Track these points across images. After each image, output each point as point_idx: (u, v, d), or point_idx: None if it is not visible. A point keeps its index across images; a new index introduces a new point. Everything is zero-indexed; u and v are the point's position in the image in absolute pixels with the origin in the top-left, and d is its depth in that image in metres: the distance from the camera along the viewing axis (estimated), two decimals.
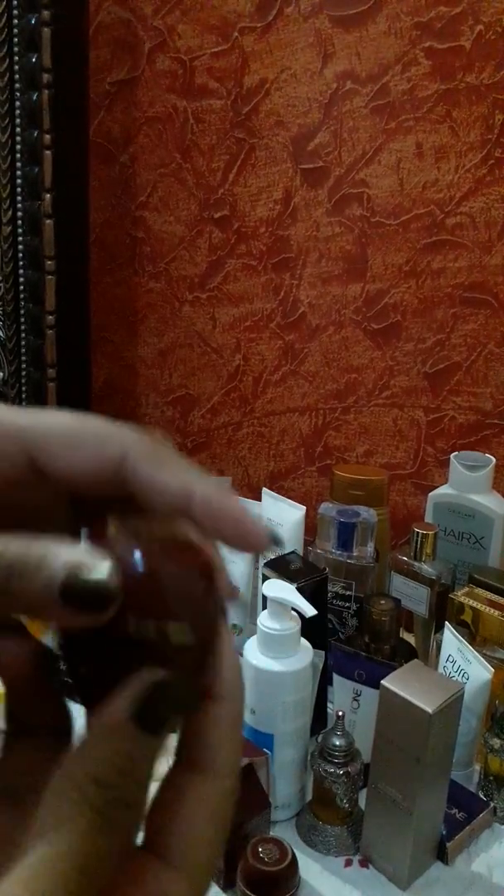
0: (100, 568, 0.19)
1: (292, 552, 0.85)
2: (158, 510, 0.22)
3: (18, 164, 0.98)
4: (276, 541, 0.23)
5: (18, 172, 0.98)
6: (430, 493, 0.93)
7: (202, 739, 0.22)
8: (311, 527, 0.91)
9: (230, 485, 1.10)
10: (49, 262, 0.99)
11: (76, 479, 0.22)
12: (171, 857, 0.21)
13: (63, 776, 0.20)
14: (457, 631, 0.76)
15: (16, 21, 0.94)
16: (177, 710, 0.21)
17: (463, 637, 0.75)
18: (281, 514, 0.93)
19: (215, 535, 0.23)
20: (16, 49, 0.95)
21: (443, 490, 0.92)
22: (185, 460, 0.23)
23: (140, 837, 0.21)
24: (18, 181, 0.99)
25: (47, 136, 0.95)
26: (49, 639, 0.23)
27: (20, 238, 1.00)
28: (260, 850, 0.61)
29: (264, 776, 0.67)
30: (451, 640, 0.76)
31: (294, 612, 0.69)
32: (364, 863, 0.67)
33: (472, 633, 0.80)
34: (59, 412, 0.23)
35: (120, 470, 0.22)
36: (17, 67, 0.95)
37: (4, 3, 0.93)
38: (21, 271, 1.02)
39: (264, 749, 0.68)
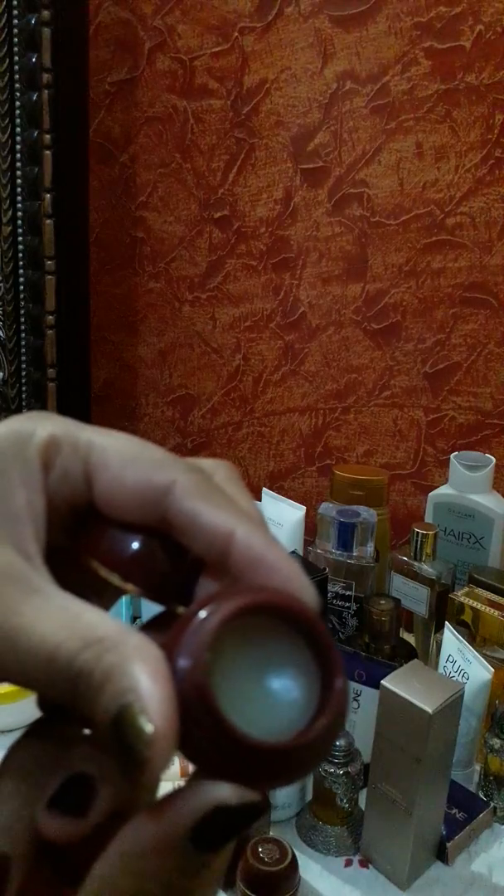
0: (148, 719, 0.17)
1: (292, 552, 0.85)
2: (200, 547, 0.21)
3: (18, 164, 0.98)
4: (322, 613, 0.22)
5: (18, 172, 0.98)
6: (430, 493, 0.93)
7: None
8: (311, 527, 0.91)
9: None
10: (49, 262, 0.99)
11: (119, 497, 0.21)
12: None
13: (108, 880, 0.18)
14: (457, 631, 0.76)
15: (16, 21, 0.94)
16: (238, 831, 0.19)
17: (463, 637, 0.75)
18: (281, 515, 0.93)
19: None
20: (16, 49, 0.95)
21: (443, 490, 0.92)
22: (240, 498, 0.22)
23: None
24: (18, 181, 0.99)
25: (47, 136, 0.95)
26: None
27: (20, 238, 1.00)
28: (260, 850, 0.61)
29: None
30: (451, 640, 0.76)
31: None
32: (364, 863, 0.67)
33: (472, 633, 0.80)
34: (119, 433, 0.22)
35: (164, 499, 0.21)
36: (17, 67, 0.95)
37: (4, 2, 0.93)
38: (21, 271, 1.02)
39: None
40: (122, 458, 0.21)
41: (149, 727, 0.17)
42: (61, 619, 0.19)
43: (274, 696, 0.20)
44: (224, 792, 0.18)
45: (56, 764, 0.20)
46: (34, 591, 0.19)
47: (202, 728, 0.18)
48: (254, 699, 0.19)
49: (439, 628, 0.83)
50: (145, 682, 0.18)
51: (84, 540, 0.22)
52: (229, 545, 0.20)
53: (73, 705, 0.18)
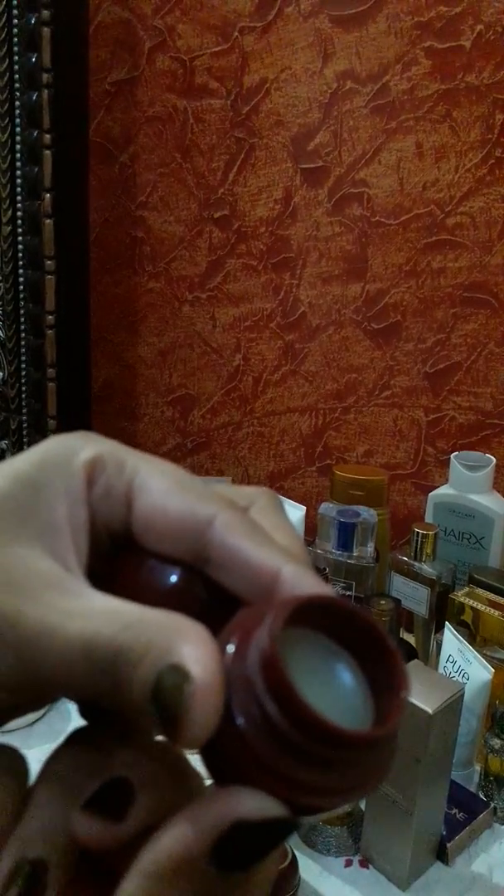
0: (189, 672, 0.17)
1: None
2: (239, 585, 0.20)
3: (18, 164, 0.98)
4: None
5: (18, 172, 0.98)
6: (431, 494, 0.93)
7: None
8: (311, 527, 0.91)
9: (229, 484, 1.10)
10: (49, 262, 0.99)
11: (159, 525, 0.21)
12: None
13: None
14: (457, 631, 0.76)
15: (15, 21, 0.94)
16: (266, 851, 0.17)
17: (463, 637, 0.75)
18: None
19: None
20: (15, 48, 0.94)
21: (443, 490, 0.92)
22: (283, 531, 0.21)
23: None
24: (18, 181, 0.99)
25: (47, 136, 0.95)
26: None
27: (20, 238, 1.00)
28: None
29: None
30: (452, 641, 0.76)
31: None
32: (364, 863, 0.67)
33: (473, 633, 0.80)
34: (165, 461, 0.22)
35: (205, 532, 0.20)
36: (16, 67, 0.95)
37: (4, 2, 0.93)
38: (21, 271, 1.01)
39: None
40: (166, 485, 0.21)
41: (190, 674, 0.16)
42: (101, 609, 0.18)
43: (337, 690, 0.19)
44: (244, 804, 0.17)
45: (95, 770, 0.19)
46: (74, 594, 0.19)
47: (265, 707, 0.17)
48: (318, 691, 0.18)
49: (439, 628, 0.83)
50: (188, 647, 0.17)
51: (121, 568, 0.21)
52: (275, 584, 0.20)
53: (112, 695, 0.17)
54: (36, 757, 0.20)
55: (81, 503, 0.21)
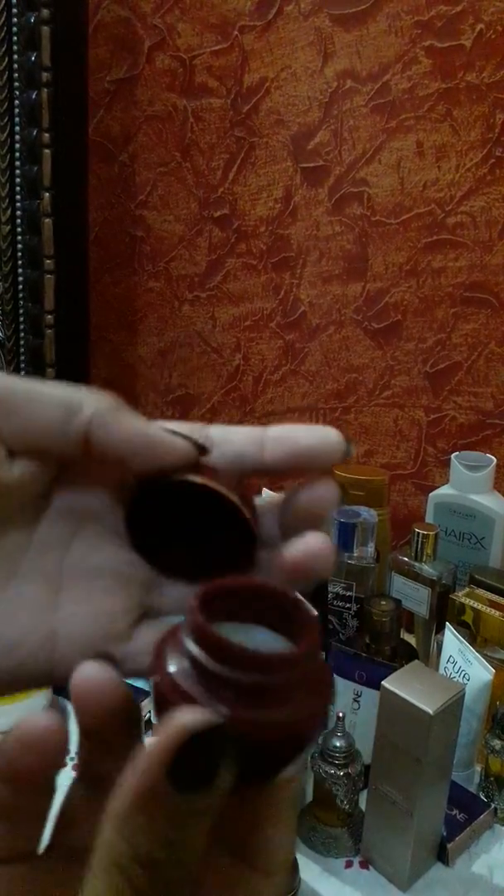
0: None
1: None
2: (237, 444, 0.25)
3: (17, 163, 0.98)
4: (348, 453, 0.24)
5: (17, 171, 0.98)
6: (431, 494, 0.93)
7: (259, 838, 0.21)
8: None
9: None
10: (48, 262, 0.99)
11: (30, 440, 0.24)
12: None
13: (106, 847, 0.18)
14: (458, 632, 0.76)
15: (15, 19, 0.93)
16: (216, 762, 0.18)
17: (464, 638, 0.75)
18: None
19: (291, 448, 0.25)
20: (15, 47, 0.94)
21: (443, 490, 0.92)
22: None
23: None
24: (18, 180, 0.98)
25: (46, 135, 0.95)
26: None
27: (19, 237, 1.00)
28: None
29: None
30: (452, 641, 0.76)
31: None
32: (364, 864, 0.67)
33: (473, 633, 0.80)
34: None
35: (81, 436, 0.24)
36: (16, 66, 0.95)
37: (4, 1, 0.93)
38: (20, 270, 1.01)
39: None
40: (27, 393, 0.25)
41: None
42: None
43: (256, 642, 0.21)
44: (182, 718, 0.18)
45: None
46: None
47: (188, 648, 0.19)
48: (239, 639, 0.20)
49: (440, 629, 0.82)
50: None
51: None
52: (264, 436, 0.26)
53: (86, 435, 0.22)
54: None
55: None
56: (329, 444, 0.24)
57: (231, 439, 0.25)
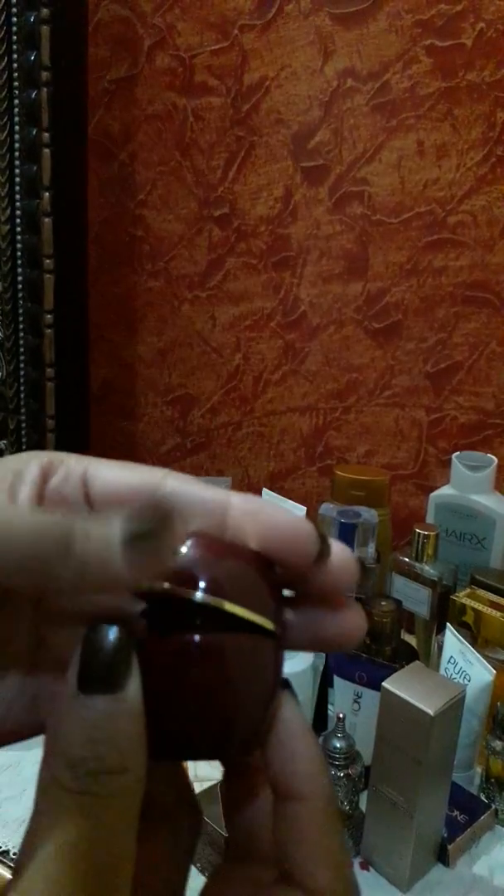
0: (157, 502, 0.20)
1: None
2: (197, 520, 0.23)
3: (17, 163, 0.98)
4: (323, 553, 0.22)
5: (17, 170, 0.98)
6: (432, 494, 0.93)
7: (286, 850, 0.22)
8: None
9: (230, 485, 1.10)
10: (48, 261, 0.99)
11: (121, 490, 0.24)
12: None
13: (42, 769, 0.19)
14: (458, 632, 0.76)
15: (15, 19, 0.93)
16: (120, 657, 0.20)
17: (464, 638, 0.75)
18: None
19: (258, 538, 0.22)
20: (15, 47, 0.94)
21: (444, 490, 0.92)
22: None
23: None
24: (17, 179, 0.98)
25: (46, 134, 0.95)
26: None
27: (19, 236, 1.00)
28: None
29: None
30: (453, 642, 0.75)
31: None
32: (365, 865, 0.67)
33: (474, 634, 0.79)
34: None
35: (159, 488, 0.23)
36: (15, 65, 0.95)
37: (4, 0, 0.92)
38: (19, 270, 1.01)
39: None
40: (116, 466, 0.24)
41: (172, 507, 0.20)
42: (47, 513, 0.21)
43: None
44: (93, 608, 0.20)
45: None
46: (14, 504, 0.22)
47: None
48: None
49: (441, 630, 0.82)
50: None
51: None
52: (227, 509, 0.23)
53: (62, 565, 0.19)
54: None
55: (31, 483, 0.23)
56: (299, 540, 0.22)
57: (192, 501, 0.23)
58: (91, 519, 0.19)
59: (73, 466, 0.24)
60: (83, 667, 0.19)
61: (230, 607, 0.20)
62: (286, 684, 0.23)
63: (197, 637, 0.20)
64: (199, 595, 0.20)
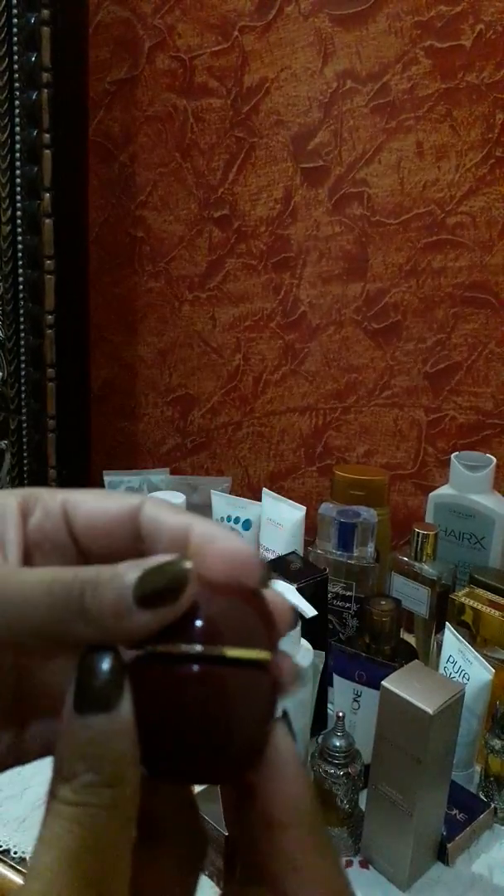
0: (170, 558, 0.21)
1: (292, 552, 0.85)
2: (162, 545, 0.24)
3: (18, 164, 0.98)
4: (266, 578, 0.24)
5: (18, 171, 0.98)
6: (431, 494, 0.93)
7: (283, 880, 0.22)
8: (312, 527, 0.91)
9: (230, 485, 1.10)
10: (48, 262, 0.99)
11: (101, 521, 0.25)
12: None
13: (49, 786, 0.20)
14: (457, 632, 0.76)
15: (15, 20, 0.93)
16: (113, 680, 0.21)
17: (464, 638, 0.75)
18: (281, 515, 0.93)
19: (211, 567, 0.24)
20: (15, 48, 0.94)
21: (443, 490, 0.92)
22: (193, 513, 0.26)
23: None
24: (18, 180, 0.98)
25: (46, 135, 0.95)
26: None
27: (19, 237, 1.00)
28: None
29: None
30: (452, 641, 0.76)
31: None
32: (364, 864, 0.67)
33: (473, 633, 0.80)
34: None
35: (137, 516, 0.25)
36: (16, 66, 0.95)
37: (4, 1, 0.93)
38: (20, 271, 1.01)
39: None
40: (95, 495, 0.26)
41: (186, 563, 0.21)
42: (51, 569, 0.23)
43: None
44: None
45: None
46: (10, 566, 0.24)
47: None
48: None
49: (440, 629, 0.82)
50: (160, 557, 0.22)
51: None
52: (188, 535, 0.24)
53: (76, 621, 0.21)
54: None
55: (14, 526, 0.25)
56: (249, 565, 0.24)
57: (159, 528, 0.25)
58: (101, 574, 0.21)
59: (48, 502, 0.26)
60: (79, 689, 0.21)
61: (230, 652, 0.21)
62: (283, 714, 0.24)
63: (196, 668, 0.21)
64: (199, 648, 0.21)
